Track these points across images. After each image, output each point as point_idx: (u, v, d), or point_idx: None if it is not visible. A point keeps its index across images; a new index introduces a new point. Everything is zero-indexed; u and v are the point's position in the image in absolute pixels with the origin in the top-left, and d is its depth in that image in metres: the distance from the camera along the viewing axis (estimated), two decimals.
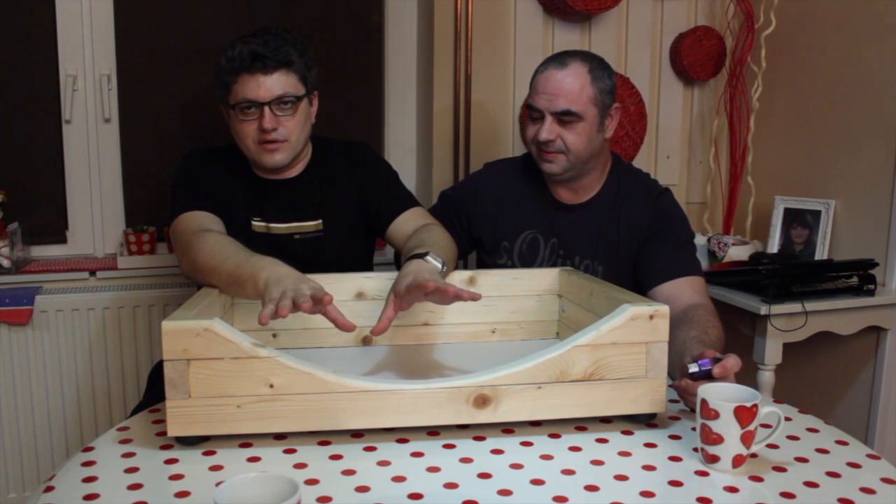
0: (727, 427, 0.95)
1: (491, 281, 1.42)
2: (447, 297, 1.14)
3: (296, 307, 1.07)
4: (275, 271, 1.17)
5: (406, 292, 1.16)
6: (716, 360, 1.10)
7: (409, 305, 1.20)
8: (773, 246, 2.27)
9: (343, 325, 1.14)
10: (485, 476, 0.95)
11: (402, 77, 2.33)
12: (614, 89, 1.59)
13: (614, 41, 2.34)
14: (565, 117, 1.53)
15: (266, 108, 1.44)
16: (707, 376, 1.09)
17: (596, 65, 1.56)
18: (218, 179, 1.54)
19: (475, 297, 1.13)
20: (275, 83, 1.44)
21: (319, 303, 1.10)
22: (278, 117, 1.46)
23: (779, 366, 1.98)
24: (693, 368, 1.10)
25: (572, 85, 1.52)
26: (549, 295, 1.44)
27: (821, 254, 2.15)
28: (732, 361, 1.09)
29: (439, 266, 1.26)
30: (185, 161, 1.57)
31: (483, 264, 1.72)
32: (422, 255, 1.28)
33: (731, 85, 2.39)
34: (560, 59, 1.55)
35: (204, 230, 1.38)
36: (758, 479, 0.95)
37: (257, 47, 1.43)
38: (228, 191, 1.54)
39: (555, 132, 1.53)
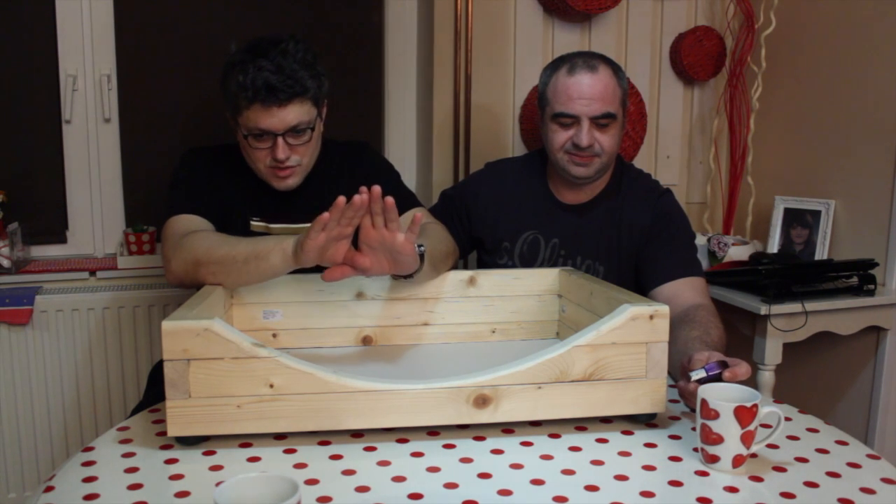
0: (727, 427, 0.95)
1: (491, 281, 1.42)
2: (365, 200, 1.10)
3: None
4: (295, 238, 1.19)
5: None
6: (722, 364, 1.09)
7: (367, 261, 1.16)
8: (773, 246, 2.27)
9: (361, 264, 1.14)
10: (485, 476, 0.95)
11: (402, 77, 2.33)
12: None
13: (614, 41, 2.34)
14: (602, 120, 1.54)
15: (279, 139, 1.41)
16: (713, 380, 1.08)
17: (617, 66, 1.59)
18: (216, 180, 1.53)
19: (385, 200, 1.11)
20: (289, 114, 1.39)
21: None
22: (291, 146, 1.43)
23: (779, 366, 1.97)
24: (699, 375, 1.08)
25: (606, 88, 1.54)
26: (549, 295, 1.44)
27: (821, 254, 2.15)
28: (744, 370, 1.08)
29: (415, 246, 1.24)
30: (184, 160, 1.56)
31: (483, 264, 1.72)
32: None
33: (731, 85, 2.39)
34: (588, 63, 1.55)
35: (195, 231, 1.37)
36: (758, 479, 0.95)
37: (271, 76, 1.36)
38: (227, 191, 1.53)
39: (592, 136, 1.54)
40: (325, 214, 1.08)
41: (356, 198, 1.08)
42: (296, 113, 1.40)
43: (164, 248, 1.39)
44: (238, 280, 1.26)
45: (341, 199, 1.07)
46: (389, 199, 1.12)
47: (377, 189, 1.10)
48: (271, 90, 1.36)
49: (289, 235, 1.21)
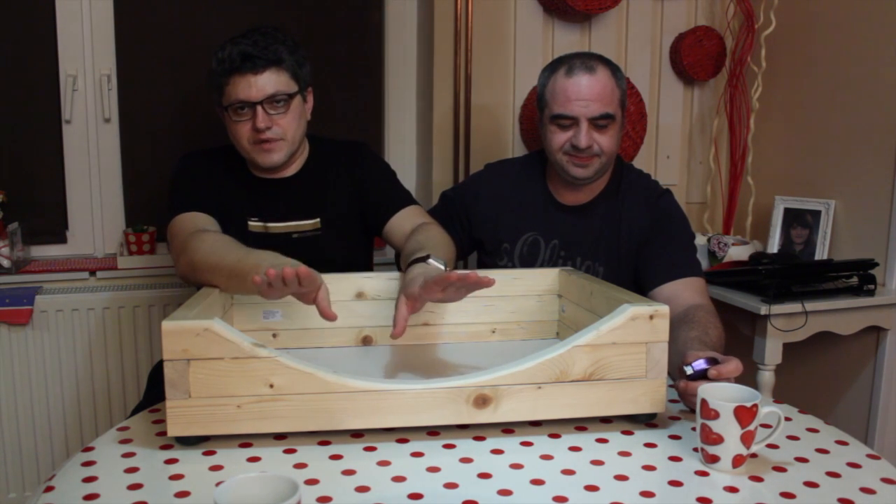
0: (727, 427, 0.95)
1: None
2: (468, 283, 1.11)
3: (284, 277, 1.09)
4: (276, 259, 1.18)
5: (422, 291, 1.15)
6: (713, 361, 1.10)
7: (423, 305, 1.20)
8: (773, 246, 2.27)
9: (326, 314, 1.17)
10: (485, 476, 0.95)
11: (402, 77, 2.33)
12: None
13: (614, 41, 2.34)
14: (601, 121, 1.54)
15: (258, 108, 1.45)
16: (704, 377, 1.09)
17: (615, 67, 1.59)
18: (214, 181, 1.55)
19: (490, 282, 1.11)
20: (266, 82, 1.45)
21: (303, 277, 1.10)
22: (271, 116, 1.47)
23: (779, 366, 1.97)
24: (687, 371, 1.10)
25: (605, 89, 1.53)
26: (549, 295, 1.44)
27: (821, 254, 2.15)
28: (732, 367, 1.09)
29: (442, 267, 1.26)
30: (181, 163, 1.58)
31: (483, 265, 1.72)
32: (423, 259, 1.27)
33: (731, 85, 2.39)
34: (585, 64, 1.55)
35: (201, 230, 1.39)
36: (758, 479, 0.95)
37: (246, 47, 1.44)
38: (224, 191, 1.55)
39: (591, 137, 1.54)
40: (257, 278, 1.09)
41: (287, 271, 1.08)
42: (273, 82, 1.45)
43: (171, 247, 1.45)
44: (225, 290, 1.28)
45: (271, 271, 1.08)
46: (489, 279, 1.11)
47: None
48: (246, 58, 1.43)
49: (267, 257, 1.20)
